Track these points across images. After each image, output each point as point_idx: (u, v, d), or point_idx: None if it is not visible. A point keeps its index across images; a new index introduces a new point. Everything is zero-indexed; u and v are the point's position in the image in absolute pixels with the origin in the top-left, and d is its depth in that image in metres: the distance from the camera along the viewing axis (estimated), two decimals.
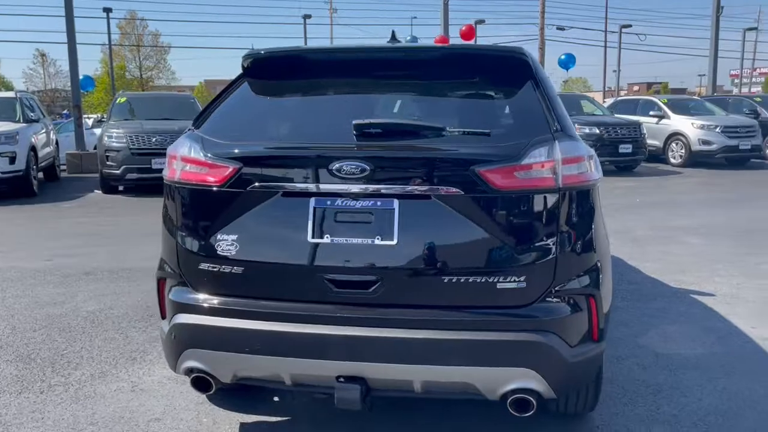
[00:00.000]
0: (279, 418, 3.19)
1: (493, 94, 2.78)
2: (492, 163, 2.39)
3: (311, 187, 2.48)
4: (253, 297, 2.56)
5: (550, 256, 2.41)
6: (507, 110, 2.72)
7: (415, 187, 2.42)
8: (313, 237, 2.46)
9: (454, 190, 2.39)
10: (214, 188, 2.58)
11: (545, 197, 2.41)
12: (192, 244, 2.65)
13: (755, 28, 47.16)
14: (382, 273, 2.42)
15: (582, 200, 2.49)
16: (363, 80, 2.86)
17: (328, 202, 2.46)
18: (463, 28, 19.53)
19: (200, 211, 2.65)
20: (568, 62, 23.74)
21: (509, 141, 2.46)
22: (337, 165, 2.42)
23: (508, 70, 2.76)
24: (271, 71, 2.93)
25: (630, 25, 39.79)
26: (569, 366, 2.43)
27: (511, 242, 2.40)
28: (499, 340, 2.37)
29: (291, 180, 2.51)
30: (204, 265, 2.60)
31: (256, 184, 2.52)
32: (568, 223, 2.45)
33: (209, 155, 2.59)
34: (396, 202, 2.41)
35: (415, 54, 2.94)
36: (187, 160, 2.65)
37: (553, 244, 2.41)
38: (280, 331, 2.46)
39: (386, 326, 2.41)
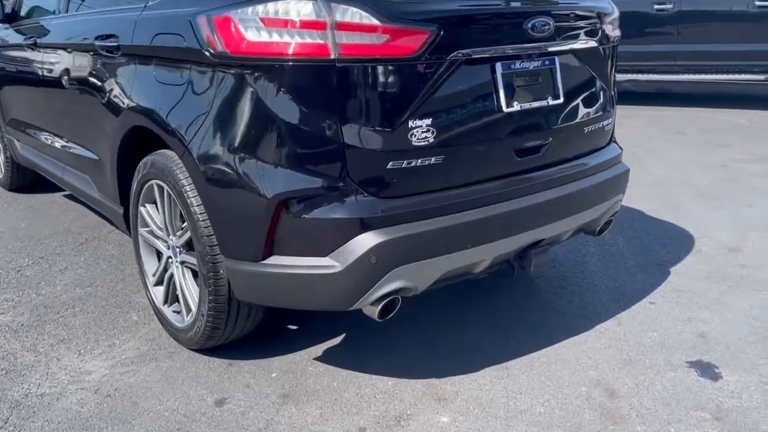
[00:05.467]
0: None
1: None
2: (607, 15, 2.64)
3: (500, 49, 2.24)
4: (452, 187, 2.21)
5: (615, 98, 2.88)
6: None
7: (570, 42, 2.48)
8: (507, 107, 2.27)
9: (593, 43, 2.57)
10: (402, 62, 2.03)
11: (616, 47, 2.82)
12: (373, 140, 2.04)
13: None
14: (551, 134, 2.46)
15: None
16: None
17: (512, 66, 2.29)
18: None
19: (382, 95, 2.03)
20: None
21: None
22: (531, 22, 2.26)
23: None
24: None
25: None
26: None
27: (610, 87, 2.76)
28: (618, 174, 2.77)
29: (481, 44, 2.19)
30: (395, 164, 2.07)
31: (449, 52, 2.10)
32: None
33: (390, 19, 1.99)
34: (557, 60, 2.44)
35: None
36: (350, 27, 1.95)
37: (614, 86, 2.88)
38: (487, 216, 2.25)
39: (557, 185, 2.50)
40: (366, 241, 2.04)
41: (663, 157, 5.55)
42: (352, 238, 2.05)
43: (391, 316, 2.23)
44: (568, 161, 2.58)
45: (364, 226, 2.05)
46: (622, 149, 2.91)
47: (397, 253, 2.08)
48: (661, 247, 3.67)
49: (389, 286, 2.11)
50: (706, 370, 2.51)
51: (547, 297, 3.12)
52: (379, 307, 2.16)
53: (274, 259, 2.15)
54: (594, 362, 2.57)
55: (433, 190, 2.17)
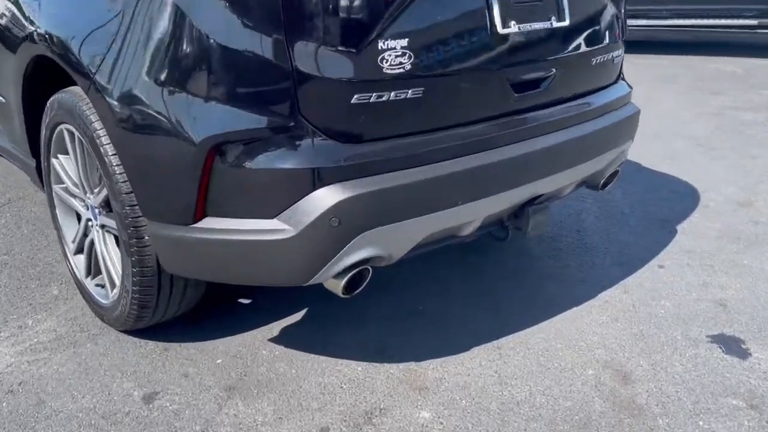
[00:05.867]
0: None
1: None
2: None
3: None
4: (435, 129, 1.75)
5: (626, 25, 2.42)
6: None
7: None
8: (502, 27, 1.80)
9: None
10: None
11: None
12: (333, 66, 1.56)
13: None
14: (554, 64, 2.00)
15: None
16: None
17: None
18: None
19: (344, 6, 1.55)
20: None
21: None
22: None
23: None
24: None
25: None
26: None
27: (621, 11, 2.30)
28: (628, 116, 2.34)
29: None
30: (361, 98, 1.60)
31: None
32: None
33: None
34: None
35: None
36: None
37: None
38: (478, 166, 1.80)
39: (560, 128, 2.06)
40: (325, 198, 1.58)
41: (656, 106, 5.13)
42: (307, 194, 1.59)
43: (359, 291, 1.79)
44: (572, 99, 2.13)
45: (323, 178, 1.59)
46: (631, 87, 2.47)
47: (366, 213, 1.63)
48: (663, 203, 3.27)
49: (356, 254, 1.67)
50: (732, 346, 2.13)
51: (540, 261, 2.71)
52: (344, 280, 1.71)
53: (208, 222, 1.69)
54: (601, 338, 2.18)
55: (410, 133, 1.71)
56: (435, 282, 2.52)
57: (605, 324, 2.26)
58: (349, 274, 1.71)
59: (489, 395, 1.91)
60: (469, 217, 1.86)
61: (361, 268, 1.72)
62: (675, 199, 3.32)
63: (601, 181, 2.39)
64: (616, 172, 2.45)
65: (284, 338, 2.18)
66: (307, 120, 1.58)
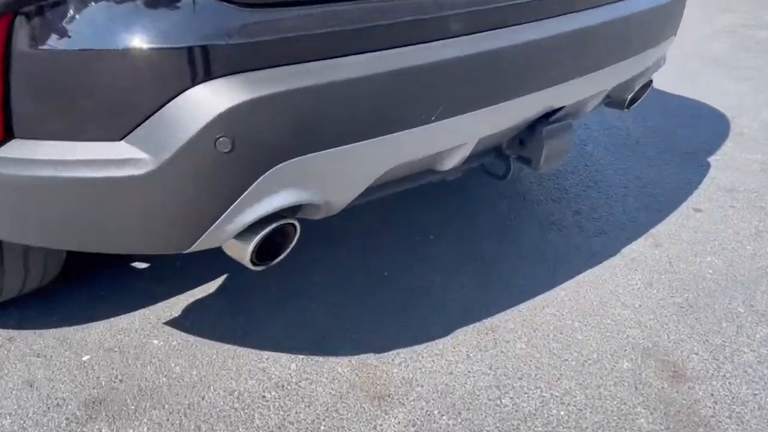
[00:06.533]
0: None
1: None
2: None
3: None
4: None
5: None
6: None
7: None
8: None
9: None
10: None
11: None
12: None
13: None
14: None
15: None
16: None
17: None
18: None
19: None
20: None
21: None
22: None
23: None
24: None
25: None
26: None
27: None
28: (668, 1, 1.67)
29: None
30: None
31: None
32: None
33: None
34: None
35: None
36: None
37: None
38: (466, 56, 1.12)
39: (588, 7, 1.38)
40: (207, 103, 0.90)
41: None
42: (176, 95, 0.90)
43: (280, 258, 1.13)
44: None
45: (203, 67, 0.90)
46: None
47: (282, 131, 0.95)
48: (688, 131, 2.64)
49: (269, 201, 1.00)
50: None
51: (542, 205, 2.07)
52: (253, 243, 1.05)
53: (14, 148, 1.00)
54: (633, 313, 1.56)
55: None
56: (404, 237, 1.87)
57: (637, 291, 1.64)
58: (261, 234, 1.04)
59: (482, 406, 1.29)
60: (452, 140, 1.19)
61: (280, 223, 1.05)
62: (701, 127, 2.69)
63: (630, 95, 1.75)
64: (649, 83, 1.81)
65: (188, 320, 1.52)
66: None
